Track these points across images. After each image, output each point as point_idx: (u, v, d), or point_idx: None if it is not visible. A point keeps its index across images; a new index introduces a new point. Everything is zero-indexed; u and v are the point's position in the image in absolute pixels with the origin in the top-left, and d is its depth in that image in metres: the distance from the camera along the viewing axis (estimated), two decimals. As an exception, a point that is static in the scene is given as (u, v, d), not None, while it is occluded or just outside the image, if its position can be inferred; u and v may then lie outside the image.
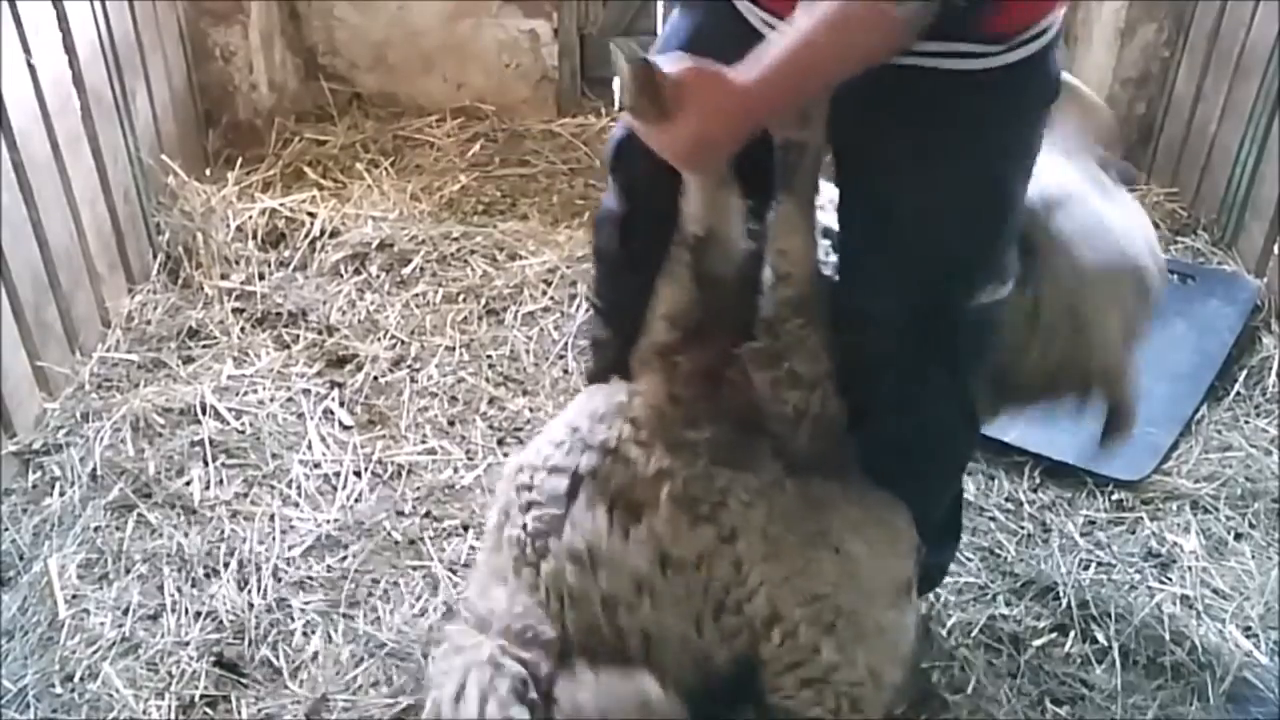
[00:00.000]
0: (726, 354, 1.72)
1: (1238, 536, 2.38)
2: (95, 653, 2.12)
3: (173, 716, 2.01)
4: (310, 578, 2.28)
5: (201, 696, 2.05)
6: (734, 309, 1.74)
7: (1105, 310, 1.93)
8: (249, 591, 2.24)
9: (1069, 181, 1.98)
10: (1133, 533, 2.39)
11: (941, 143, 1.57)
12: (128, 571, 2.28)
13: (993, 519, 2.42)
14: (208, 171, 3.48)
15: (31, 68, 2.53)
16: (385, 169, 3.59)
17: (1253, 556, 2.33)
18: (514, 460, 1.72)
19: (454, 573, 2.30)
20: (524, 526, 1.62)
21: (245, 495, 2.47)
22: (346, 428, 2.66)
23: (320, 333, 2.94)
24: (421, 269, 3.18)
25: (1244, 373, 2.77)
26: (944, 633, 2.16)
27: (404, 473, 2.54)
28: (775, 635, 1.58)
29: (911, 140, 1.57)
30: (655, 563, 1.57)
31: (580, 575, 1.57)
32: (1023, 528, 2.40)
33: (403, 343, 2.92)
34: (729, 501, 1.59)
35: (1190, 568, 2.30)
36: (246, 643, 2.14)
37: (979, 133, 1.58)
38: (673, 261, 1.72)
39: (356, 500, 2.47)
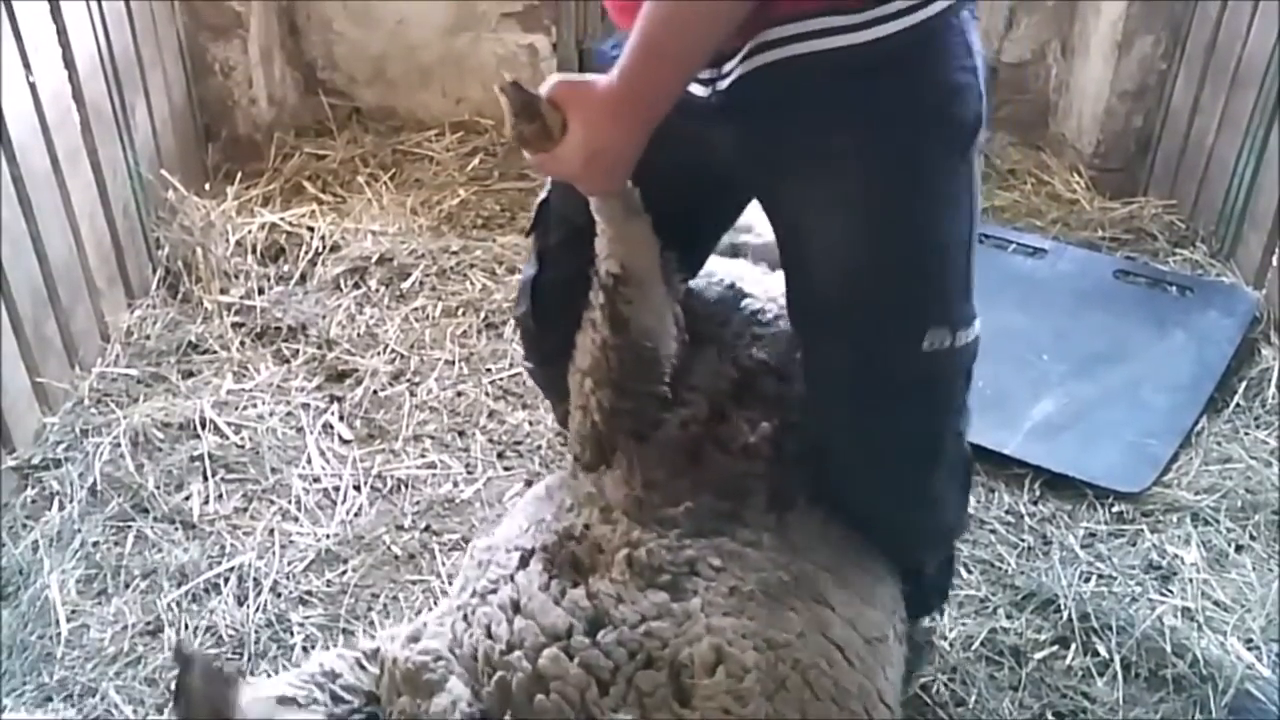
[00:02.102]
0: (697, 427, 1.68)
1: (1238, 548, 2.38)
2: (95, 668, 2.11)
3: (172, 732, 2.01)
4: (310, 592, 2.28)
5: (201, 712, 2.04)
6: (659, 363, 1.67)
7: None
8: (248, 606, 2.23)
9: None
10: (1133, 545, 2.39)
11: (821, 154, 1.49)
12: (127, 587, 2.28)
13: (993, 531, 2.41)
14: (207, 186, 3.48)
15: (31, 85, 2.53)
16: (384, 183, 3.59)
17: (1254, 568, 2.33)
18: (481, 541, 1.70)
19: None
20: (473, 591, 1.58)
21: (245, 510, 2.47)
22: (346, 442, 2.66)
23: (320, 347, 2.94)
24: (421, 283, 3.18)
25: (1243, 384, 2.77)
26: (945, 645, 2.15)
27: (404, 487, 2.54)
28: (719, 673, 1.44)
29: (793, 158, 1.51)
30: (582, 622, 1.48)
31: (499, 624, 1.51)
32: (1023, 540, 2.39)
33: (402, 357, 2.92)
34: (697, 570, 1.54)
35: (1191, 580, 2.30)
36: (246, 658, 2.14)
37: (854, 140, 1.47)
38: (590, 308, 1.65)
39: (356, 514, 2.47)
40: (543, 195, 1.80)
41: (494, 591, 1.55)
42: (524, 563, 1.57)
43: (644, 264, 1.61)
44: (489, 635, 1.49)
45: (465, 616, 1.54)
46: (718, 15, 1.37)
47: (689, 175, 1.59)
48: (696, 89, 1.51)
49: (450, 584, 2.29)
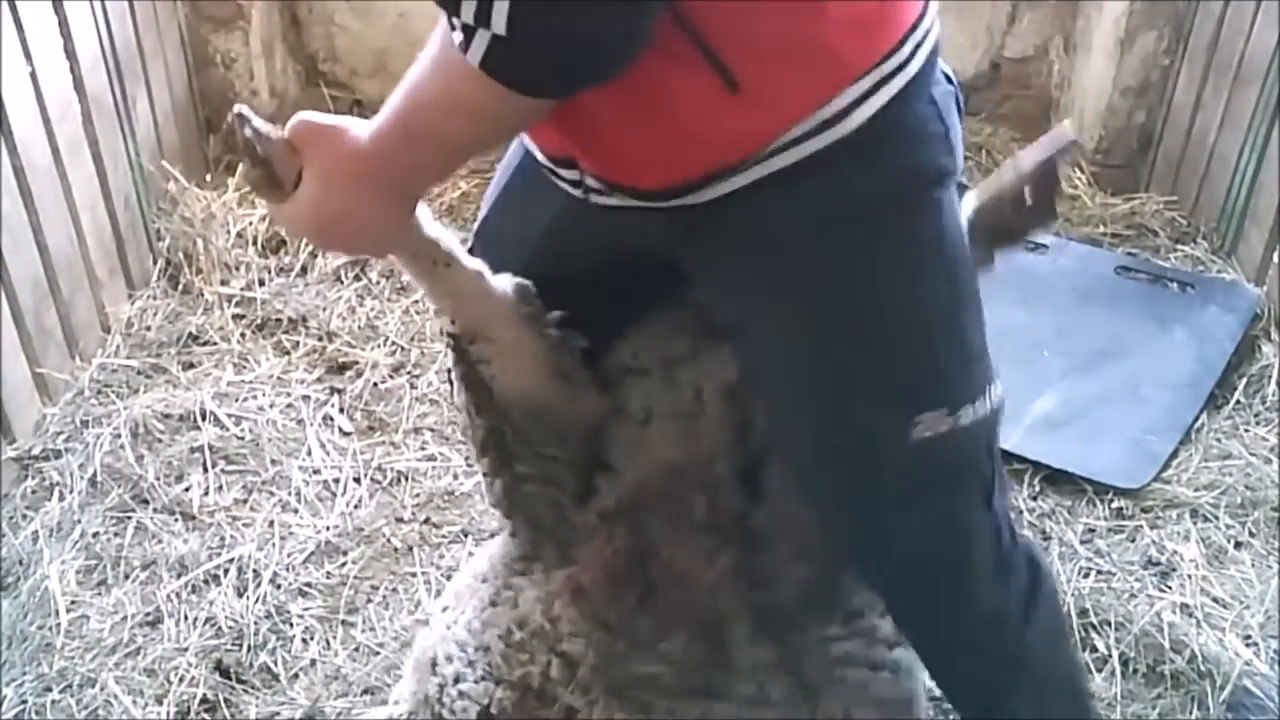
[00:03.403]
0: (617, 540, 1.43)
1: (1238, 545, 2.38)
2: (94, 659, 2.11)
3: (171, 723, 2.02)
4: (309, 584, 2.28)
5: (200, 702, 2.05)
6: (534, 438, 1.44)
7: None
8: (248, 597, 2.24)
9: None
10: (1132, 541, 2.39)
11: (770, 258, 1.31)
12: (127, 578, 2.28)
13: (992, 527, 2.41)
14: (208, 177, 3.48)
15: (33, 76, 2.53)
16: (386, 175, 3.58)
17: (1253, 565, 2.33)
18: (427, 643, 1.52)
19: (452, 580, 2.30)
20: None
21: (244, 501, 2.47)
22: (346, 434, 2.66)
23: (320, 339, 2.94)
24: (422, 275, 3.17)
25: (1244, 381, 2.76)
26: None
27: (404, 479, 2.54)
28: None
29: (739, 265, 1.33)
30: None
31: None
32: (1022, 535, 2.39)
33: (403, 349, 2.92)
34: None
35: (1190, 576, 2.30)
36: (245, 649, 2.14)
37: (804, 233, 1.28)
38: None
39: (356, 507, 2.47)
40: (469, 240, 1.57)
41: None
42: None
43: (482, 317, 1.38)
44: None
45: None
46: (501, 121, 1.18)
47: (599, 263, 1.41)
48: (603, 199, 1.31)
49: (449, 582, 2.30)
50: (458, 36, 1.08)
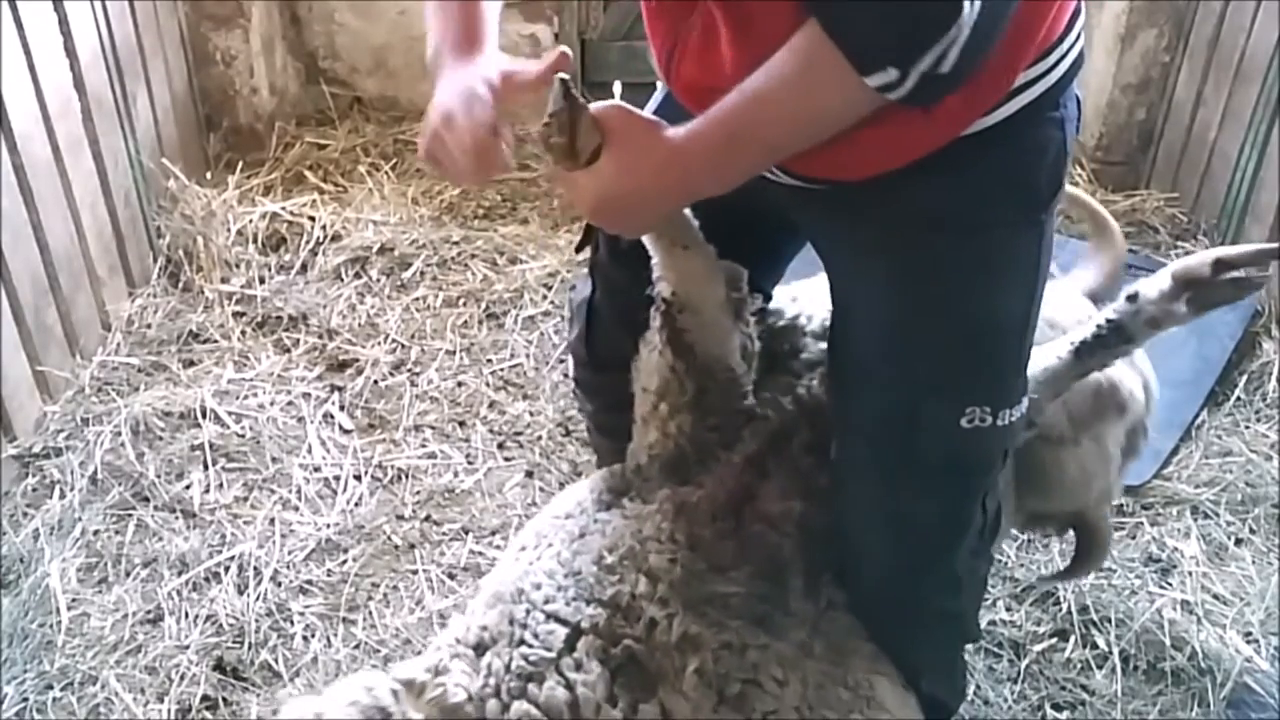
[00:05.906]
0: (745, 476, 1.56)
1: (1238, 542, 2.38)
2: (95, 656, 2.12)
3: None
4: (310, 582, 2.28)
5: (201, 700, 2.05)
6: (736, 384, 1.59)
7: (1088, 461, 1.82)
8: (249, 595, 2.24)
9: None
10: (1133, 538, 2.39)
11: (879, 244, 1.41)
12: (128, 575, 2.28)
13: (993, 524, 2.41)
14: (208, 175, 3.48)
15: (33, 73, 2.53)
16: (386, 173, 3.59)
17: (1253, 562, 2.33)
18: (506, 577, 1.52)
19: (453, 577, 2.30)
20: (508, 662, 1.42)
21: (245, 499, 2.47)
22: (347, 431, 2.67)
23: (321, 336, 2.94)
24: (422, 273, 3.18)
25: (1244, 378, 2.77)
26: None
27: (404, 477, 2.54)
28: None
29: (851, 239, 1.45)
30: None
31: None
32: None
33: (403, 347, 2.92)
34: (760, 679, 1.44)
35: (1190, 573, 2.30)
36: (246, 646, 2.14)
37: (921, 209, 1.37)
38: (651, 325, 1.57)
39: (356, 504, 2.47)
40: None
41: (537, 679, 1.41)
42: (570, 646, 1.43)
43: (700, 294, 1.52)
44: None
45: (503, 698, 1.41)
46: (838, 115, 1.21)
47: (743, 211, 1.47)
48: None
49: (450, 580, 2.30)
50: (887, 76, 1.13)
